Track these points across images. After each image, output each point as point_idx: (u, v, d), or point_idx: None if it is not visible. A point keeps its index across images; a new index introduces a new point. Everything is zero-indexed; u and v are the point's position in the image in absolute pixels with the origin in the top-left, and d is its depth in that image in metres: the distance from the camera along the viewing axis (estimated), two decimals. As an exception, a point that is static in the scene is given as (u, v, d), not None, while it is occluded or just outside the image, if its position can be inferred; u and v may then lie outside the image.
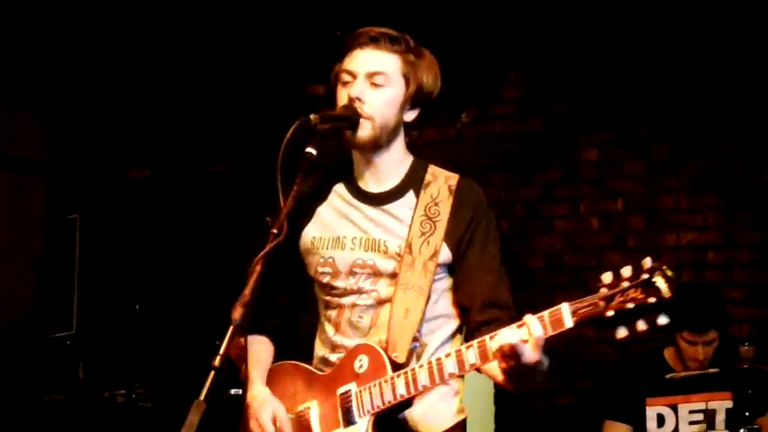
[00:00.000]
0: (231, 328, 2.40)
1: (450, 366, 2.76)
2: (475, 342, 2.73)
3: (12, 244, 6.78)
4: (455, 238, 2.99)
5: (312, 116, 2.81)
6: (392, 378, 2.83)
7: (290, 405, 3.04)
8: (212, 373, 2.36)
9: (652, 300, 2.44)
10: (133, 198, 7.16)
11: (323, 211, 3.13)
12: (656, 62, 6.24)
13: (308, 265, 3.13)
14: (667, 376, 4.87)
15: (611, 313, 2.48)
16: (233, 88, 7.00)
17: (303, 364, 3.12)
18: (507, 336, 2.61)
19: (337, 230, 3.07)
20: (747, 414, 4.80)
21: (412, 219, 3.00)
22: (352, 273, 3.02)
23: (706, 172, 6.16)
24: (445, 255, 2.99)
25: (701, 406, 4.91)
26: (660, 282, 2.43)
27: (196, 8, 6.51)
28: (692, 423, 4.92)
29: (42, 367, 6.46)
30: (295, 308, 3.24)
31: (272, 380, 3.12)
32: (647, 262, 2.46)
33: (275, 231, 2.59)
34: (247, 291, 2.46)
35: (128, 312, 6.72)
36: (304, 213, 3.12)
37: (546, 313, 2.59)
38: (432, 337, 3.00)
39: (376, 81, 2.98)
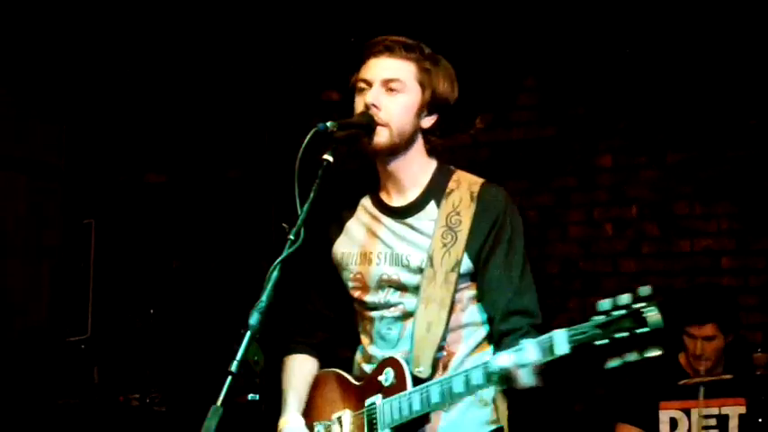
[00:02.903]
0: (248, 333, 2.41)
1: (458, 387, 2.75)
2: (481, 364, 2.71)
3: (28, 248, 6.79)
4: (476, 248, 2.99)
5: (329, 123, 2.82)
6: (409, 394, 2.86)
7: (329, 412, 3.11)
8: (229, 378, 2.37)
9: (643, 330, 2.36)
10: (148, 202, 7.17)
11: (352, 225, 3.15)
12: (671, 69, 6.23)
13: (342, 279, 3.16)
14: (681, 382, 4.86)
15: (604, 342, 2.42)
16: (249, 94, 7.01)
17: (345, 374, 3.17)
18: (502, 360, 2.63)
19: (365, 246, 3.10)
20: (761, 420, 4.80)
21: (434, 231, 3.01)
22: (380, 287, 3.06)
23: (720, 179, 6.16)
24: (466, 265, 2.99)
25: (715, 411, 4.89)
26: (653, 312, 2.36)
27: (213, 15, 6.53)
28: (705, 428, 4.91)
29: (57, 371, 6.47)
30: (339, 319, 3.27)
31: (315, 387, 3.20)
32: (645, 290, 2.39)
33: (292, 237, 2.59)
34: (264, 296, 2.47)
35: (143, 316, 6.74)
36: (335, 227, 3.17)
37: (542, 338, 2.57)
38: (459, 346, 3.01)
39: (392, 87, 2.99)
